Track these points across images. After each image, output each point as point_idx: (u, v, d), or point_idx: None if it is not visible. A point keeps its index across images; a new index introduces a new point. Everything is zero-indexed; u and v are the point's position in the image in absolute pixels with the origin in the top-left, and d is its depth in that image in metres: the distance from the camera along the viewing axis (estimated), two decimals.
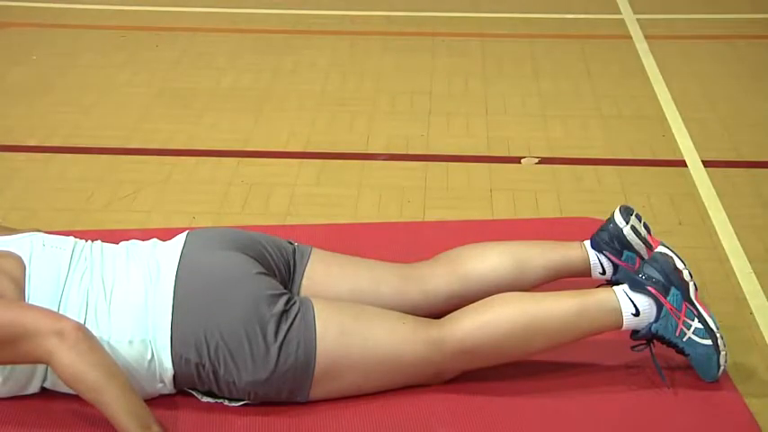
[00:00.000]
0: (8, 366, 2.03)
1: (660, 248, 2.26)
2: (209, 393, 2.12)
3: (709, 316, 2.18)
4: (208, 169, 3.38)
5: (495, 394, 2.19)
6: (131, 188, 3.23)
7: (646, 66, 4.30)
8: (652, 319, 2.15)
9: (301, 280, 2.26)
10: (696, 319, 2.16)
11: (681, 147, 3.55)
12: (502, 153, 3.53)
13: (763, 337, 2.48)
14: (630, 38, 4.64)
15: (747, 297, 2.65)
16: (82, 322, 2.01)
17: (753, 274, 2.75)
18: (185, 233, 2.24)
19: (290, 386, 2.07)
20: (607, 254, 2.38)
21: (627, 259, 2.38)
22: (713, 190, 3.21)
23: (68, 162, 3.43)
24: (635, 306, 2.16)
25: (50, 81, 4.13)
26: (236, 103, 3.93)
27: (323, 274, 2.27)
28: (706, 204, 3.13)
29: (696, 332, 2.16)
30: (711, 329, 2.16)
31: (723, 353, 2.17)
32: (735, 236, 2.94)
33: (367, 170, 3.37)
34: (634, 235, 2.38)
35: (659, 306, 2.15)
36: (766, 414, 2.16)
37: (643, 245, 2.39)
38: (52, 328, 1.91)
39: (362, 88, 4.10)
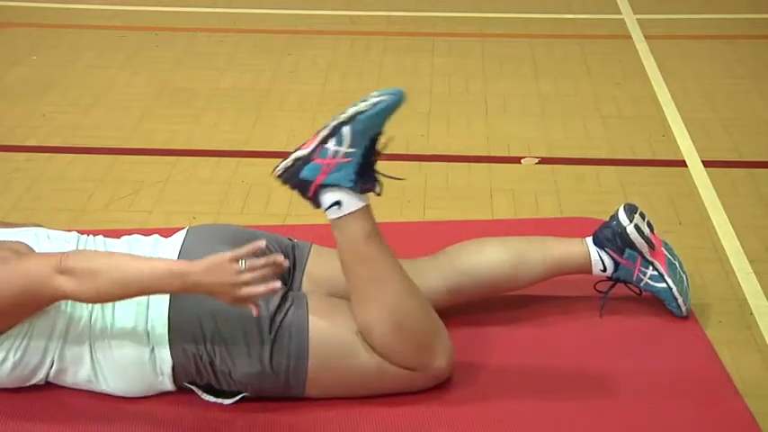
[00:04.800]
0: (19, 351, 2.04)
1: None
2: (209, 390, 2.12)
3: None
4: (208, 169, 3.38)
5: (495, 395, 2.19)
6: (131, 188, 3.24)
7: (646, 66, 4.30)
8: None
9: (302, 276, 2.27)
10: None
11: (681, 147, 3.55)
12: (502, 153, 3.53)
13: (763, 337, 2.48)
14: (630, 38, 4.64)
15: (747, 297, 2.65)
16: (89, 308, 2.05)
17: (753, 274, 2.75)
18: (186, 228, 2.26)
19: (285, 379, 2.08)
20: (609, 251, 2.39)
21: (628, 257, 2.39)
22: (713, 190, 3.21)
23: (68, 162, 3.43)
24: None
25: (50, 81, 4.13)
26: (236, 103, 3.93)
27: (322, 270, 2.28)
28: (706, 204, 3.13)
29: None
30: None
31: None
32: (735, 236, 2.94)
33: None
34: (637, 233, 2.38)
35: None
36: (766, 414, 2.16)
37: (645, 243, 2.39)
38: (51, 267, 1.92)
39: (362, 88, 4.08)
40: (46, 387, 2.13)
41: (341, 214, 2.03)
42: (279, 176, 2.07)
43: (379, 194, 2.06)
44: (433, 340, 2.11)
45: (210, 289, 1.90)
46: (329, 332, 2.08)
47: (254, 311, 1.92)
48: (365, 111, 1.98)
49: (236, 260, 1.89)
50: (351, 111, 1.99)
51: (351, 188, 2.02)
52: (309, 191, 2.02)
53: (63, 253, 1.96)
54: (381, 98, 1.98)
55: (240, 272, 1.88)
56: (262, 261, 1.90)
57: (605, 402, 2.18)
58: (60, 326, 2.04)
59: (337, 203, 2.02)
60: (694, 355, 2.35)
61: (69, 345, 2.06)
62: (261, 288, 1.89)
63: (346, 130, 1.99)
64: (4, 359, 2.04)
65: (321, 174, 2.01)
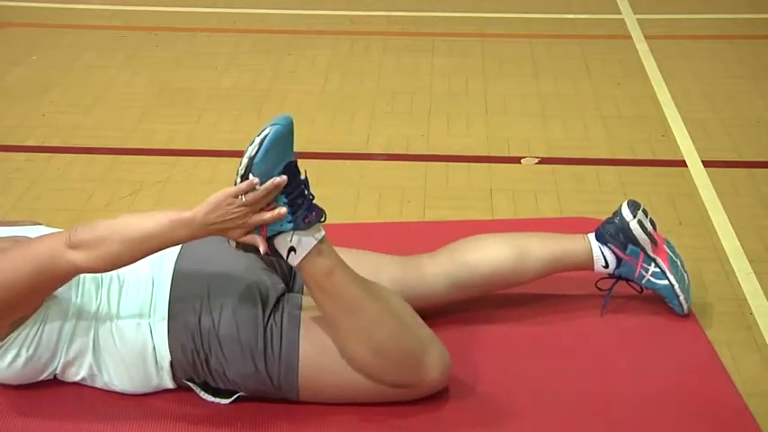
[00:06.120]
0: (32, 346, 2.05)
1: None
2: (207, 389, 2.13)
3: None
4: (208, 169, 3.38)
5: (494, 395, 2.19)
6: (131, 188, 3.24)
7: (646, 66, 4.30)
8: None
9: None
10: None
11: (681, 147, 3.55)
12: (502, 153, 3.53)
13: (763, 337, 2.48)
14: (630, 38, 4.64)
15: (747, 297, 2.65)
16: (97, 302, 2.07)
17: (753, 274, 2.75)
18: None
19: (278, 383, 2.08)
20: (611, 246, 2.39)
21: (631, 253, 2.39)
22: (713, 190, 3.22)
23: (68, 162, 3.43)
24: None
25: (50, 81, 4.13)
26: (236, 103, 3.93)
27: None
28: (706, 204, 3.13)
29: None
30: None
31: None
32: (735, 236, 2.94)
33: (367, 170, 3.37)
34: (640, 229, 2.39)
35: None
36: (766, 414, 2.17)
37: (648, 239, 2.40)
38: (62, 243, 1.93)
39: (362, 88, 4.10)
40: (52, 384, 2.14)
41: (300, 258, 2.00)
42: (237, 247, 2.05)
43: (323, 221, 2.02)
44: (421, 357, 2.08)
45: (221, 227, 1.94)
46: (320, 343, 2.07)
47: (262, 248, 1.96)
48: (256, 153, 1.96)
49: (236, 196, 1.93)
50: (245, 160, 1.97)
51: (294, 228, 1.99)
52: (264, 248, 2.00)
53: (71, 229, 1.97)
54: (265, 133, 1.97)
55: (243, 204, 1.93)
56: (260, 192, 1.93)
57: (605, 402, 2.17)
58: (70, 319, 2.05)
59: (292, 249, 2.00)
60: (694, 354, 2.35)
61: (77, 338, 2.06)
62: (267, 214, 1.94)
63: (252, 178, 1.97)
64: (17, 355, 2.05)
65: (262, 228, 2.00)
